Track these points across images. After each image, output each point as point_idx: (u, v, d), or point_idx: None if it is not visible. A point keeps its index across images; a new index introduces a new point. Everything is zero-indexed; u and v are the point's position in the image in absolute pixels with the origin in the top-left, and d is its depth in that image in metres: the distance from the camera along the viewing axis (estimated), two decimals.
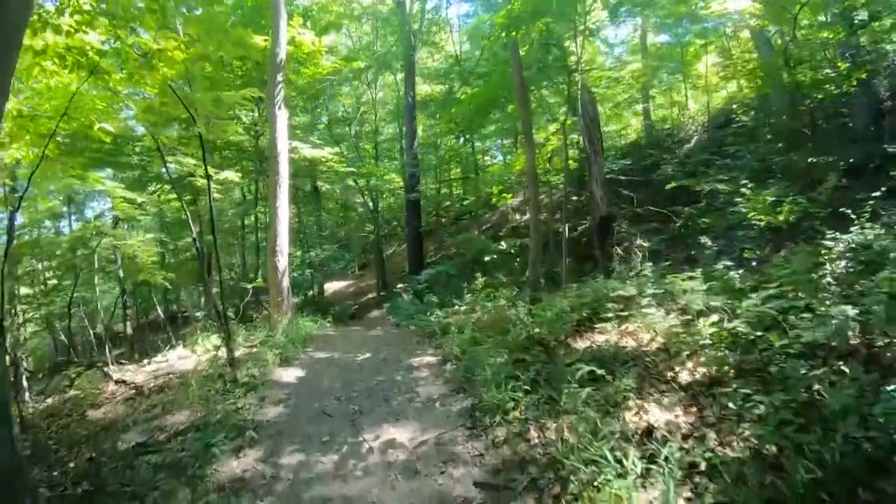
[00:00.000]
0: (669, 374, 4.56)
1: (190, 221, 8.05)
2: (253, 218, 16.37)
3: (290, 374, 7.29)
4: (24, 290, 14.16)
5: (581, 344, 5.97)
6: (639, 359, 4.95)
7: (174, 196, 12.34)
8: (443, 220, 25.78)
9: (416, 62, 19.83)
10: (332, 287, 24.37)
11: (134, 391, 7.24)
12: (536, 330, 6.86)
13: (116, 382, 7.83)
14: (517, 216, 23.36)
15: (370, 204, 21.32)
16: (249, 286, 10.51)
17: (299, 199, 16.24)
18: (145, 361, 9.46)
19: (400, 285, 19.74)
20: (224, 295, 7.86)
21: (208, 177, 7.27)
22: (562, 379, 4.70)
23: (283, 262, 10.07)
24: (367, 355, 8.18)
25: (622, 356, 5.07)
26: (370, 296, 22.73)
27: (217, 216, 17.22)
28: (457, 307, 11.26)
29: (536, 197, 9.38)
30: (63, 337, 14.89)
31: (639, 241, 14.04)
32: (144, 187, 13.89)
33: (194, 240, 7.94)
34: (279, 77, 10.35)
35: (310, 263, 16.48)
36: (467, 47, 23.40)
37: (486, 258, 12.20)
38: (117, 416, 6.29)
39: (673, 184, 13.96)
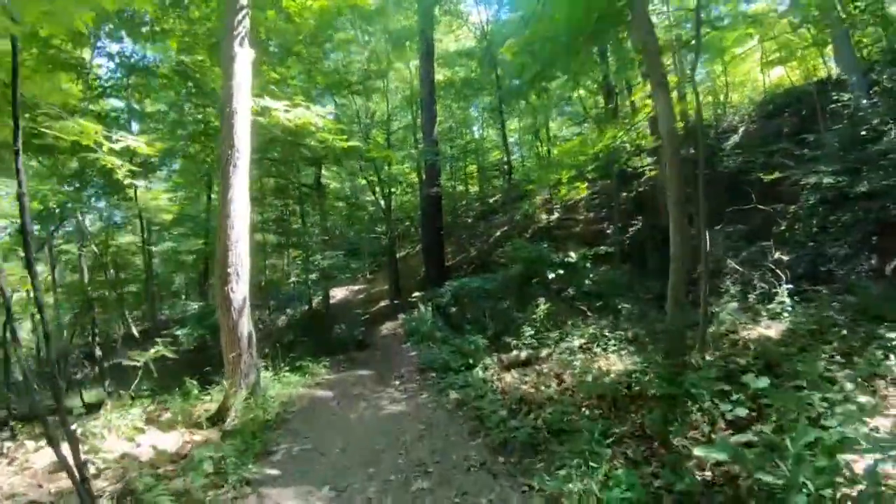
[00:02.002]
0: None
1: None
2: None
3: None
4: None
5: None
6: None
7: None
8: (459, 219, 21.04)
9: (434, 43, 15.10)
10: (340, 293, 19.71)
11: None
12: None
13: None
14: (544, 215, 18.64)
15: (381, 203, 16.62)
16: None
17: (293, 196, 11.54)
18: None
19: (416, 294, 15.16)
20: None
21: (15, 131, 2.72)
22: None
23: (239, 291, 5.40)
24: None
25: None
26: (382, 304, 18.07)
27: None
28: (516, 354, 6.64)
29: (679, 179, 4.79)
30: None
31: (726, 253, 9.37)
32: None
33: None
34: None
35: (312, 270, 11.91)
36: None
37: (551, 273, 7.53)
38: None
39: (774, 174, 9.31)
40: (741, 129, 15.18)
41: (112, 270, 14.09)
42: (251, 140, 5.63)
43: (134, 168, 5.78)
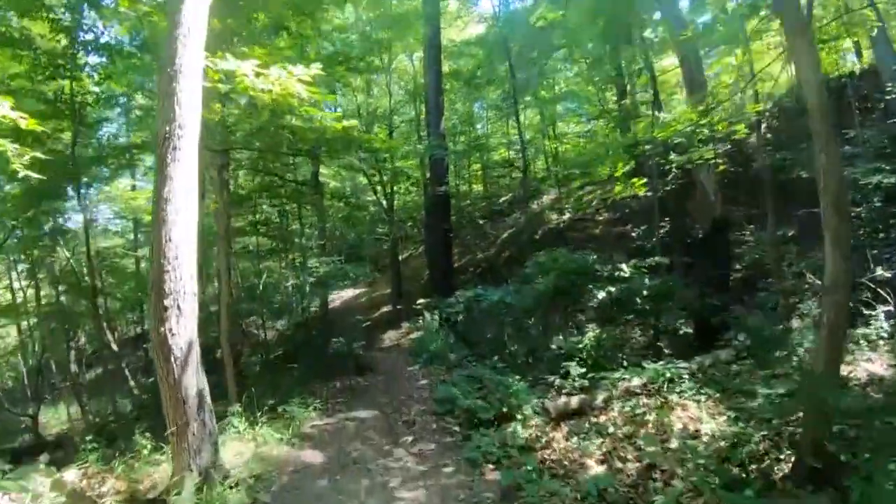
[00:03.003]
0: None
1: None
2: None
3: None
4: None
5: None
6: None
7: None
8: (464, 220, 19.13)
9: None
10: (340, 297, 17.80)
11: None
12: None
13: None
14: (554, 215, 16.77)
15: (384, 203, 14.72)
16: None
17: (285, 195, 9.51)
18: None
19: (420, 301, 13.30)
20: None
21: None
22: None
23: (183, 333, 3.48)
24: None
25: None
26: (384, 309, 16.18)
27: None
28: (565, 401, 4.79)
29: (838, 162, 3.05)
30: None
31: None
32: None
33: None
34: None
35: (308, 276, 9.97)
36: None
37: (599, 292, 5.64)
38: None
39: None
40: (762, 126, 13.36)
41: (88, 276, 12.14)
42: (227, 134, 3.74)
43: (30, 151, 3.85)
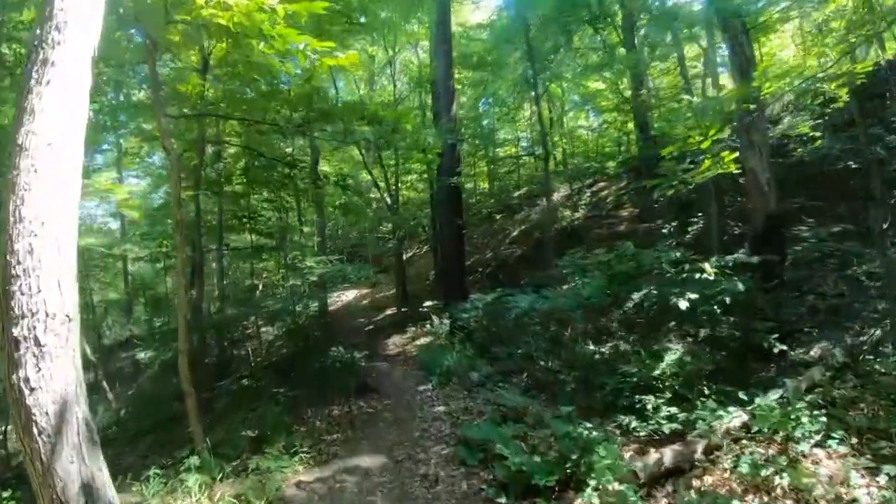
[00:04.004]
0: None
1: None
2: None
3: None
4: None
5: None
6: None
7: None
8: (471, 217, 17.54)
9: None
10: (341, 299, 16.21)
11: None
12: None
13: None
14: (567, 212, 15.21)
15: (387, 199, 13.17)
16: None
17: (277, 183, 7.76)
18: None
19: (428, 303, 11.76)
20: None
21: None
22: None
23: (54, 379, 1.94)
24: None
25: None
26: (388, 312, 14.58)
27: None
28: (657, 457, 3.24)
29: None
30: None
31: None
32: None
33: None
34: None
35: (304, 278, 8.36)
36: None
37: (682, 301, 4.08)
38: None
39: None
40: (785, 119, 11.83)
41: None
42: None
43: None
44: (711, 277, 4.15)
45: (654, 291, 4.50)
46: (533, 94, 10.74)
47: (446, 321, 10.18)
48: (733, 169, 4.32)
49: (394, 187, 13.12)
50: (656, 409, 3.70)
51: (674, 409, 3.64)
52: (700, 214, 9.96)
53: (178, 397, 6.52)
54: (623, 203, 13.49)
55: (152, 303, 12.99)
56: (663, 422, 3.57)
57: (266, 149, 6.31)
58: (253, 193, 6.92)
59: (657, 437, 3.76)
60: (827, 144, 8.93)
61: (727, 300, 4.33)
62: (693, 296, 4.05)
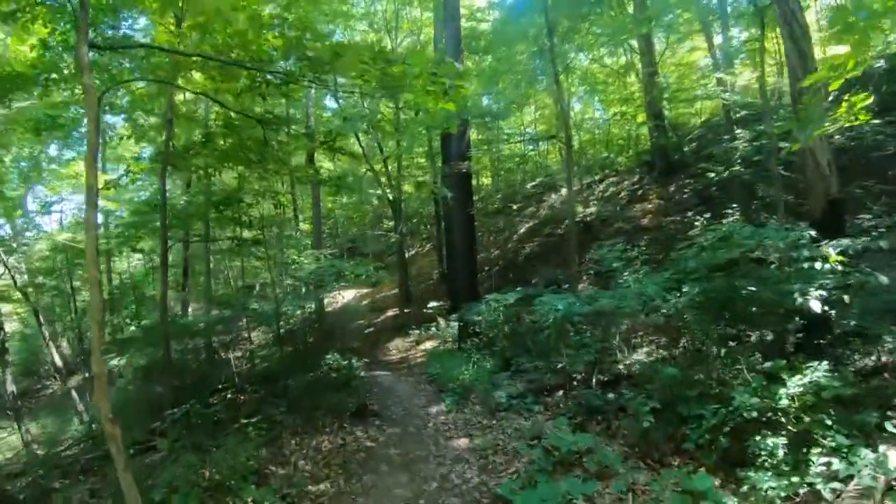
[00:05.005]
0: None
1: None
2: None
3: None
4: None
5: None
6: None
7: None
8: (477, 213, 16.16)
9: None
10: (341, 299, 14.81)
11: None
12: None
13: None
14: (580, 207, 13.84)
15: (389, 196, 11.86)
16: None
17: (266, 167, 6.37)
18: None
19: (432, 304, 10.48)
20: None
21: None
22: None
23: None
24: None
25: None
26: (390, 313, 13.24)
27: None
28: None
29: None
30: None
31: None
32: None
33: None
34: None
35: (295, 278, 6.98)
36: None
37: (815, 304, 2.79)
38: None
39: None
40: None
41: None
42: None
43: None
44: (839, 268, 2.82)
45: (753, 288, 3.16)
46: (550, 73, 9.35)
47: (453, 324, 8.83)
48: (865, 119, 3.01)
49: (396, 178, 11.80)
50: (797, 459, 2.35)
51: (831, 459, 2.29)
52: (734, 206, 8.64)
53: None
54: (638, 197, 12.17)
55: (138, 304, 11.57)
56: (817, 480, 2.22)
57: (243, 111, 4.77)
58: (226, 170, 5.48)
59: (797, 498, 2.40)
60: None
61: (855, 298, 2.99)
62: (822, 293, 2.72)
